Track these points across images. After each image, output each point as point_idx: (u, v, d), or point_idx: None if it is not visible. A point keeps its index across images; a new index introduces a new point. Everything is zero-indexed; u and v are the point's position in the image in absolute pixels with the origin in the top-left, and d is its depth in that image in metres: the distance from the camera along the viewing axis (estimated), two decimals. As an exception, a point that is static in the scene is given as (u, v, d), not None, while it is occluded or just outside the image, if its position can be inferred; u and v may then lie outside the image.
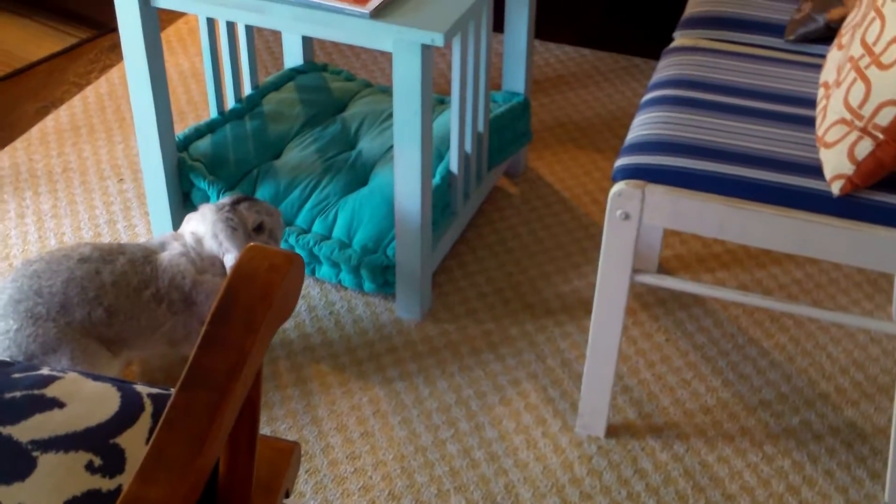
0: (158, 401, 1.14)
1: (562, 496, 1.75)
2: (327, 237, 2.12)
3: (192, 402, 0.90)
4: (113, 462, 1.04)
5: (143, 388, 1.15)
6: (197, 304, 1.81)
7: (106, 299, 1.74)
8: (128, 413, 1.10)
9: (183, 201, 2.23)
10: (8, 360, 1.23)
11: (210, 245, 1.84)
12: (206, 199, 2.20)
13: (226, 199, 1.91)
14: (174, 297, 1.80)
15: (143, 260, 1.80)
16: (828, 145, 1.56)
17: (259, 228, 1.91)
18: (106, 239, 2.30)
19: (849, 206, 1.54)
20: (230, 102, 2.44)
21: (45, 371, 1.15)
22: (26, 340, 1.69)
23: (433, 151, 2.23)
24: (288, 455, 1.21)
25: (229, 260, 1.83)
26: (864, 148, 1.50)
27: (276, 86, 2.52)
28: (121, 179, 2.50)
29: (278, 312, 0.96)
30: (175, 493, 0.86)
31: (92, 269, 1.75)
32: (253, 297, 0.94)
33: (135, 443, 1.07)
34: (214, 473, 1.08)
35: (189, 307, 1.81)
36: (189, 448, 0.88)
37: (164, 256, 1.82)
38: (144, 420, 1.10)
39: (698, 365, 2.01)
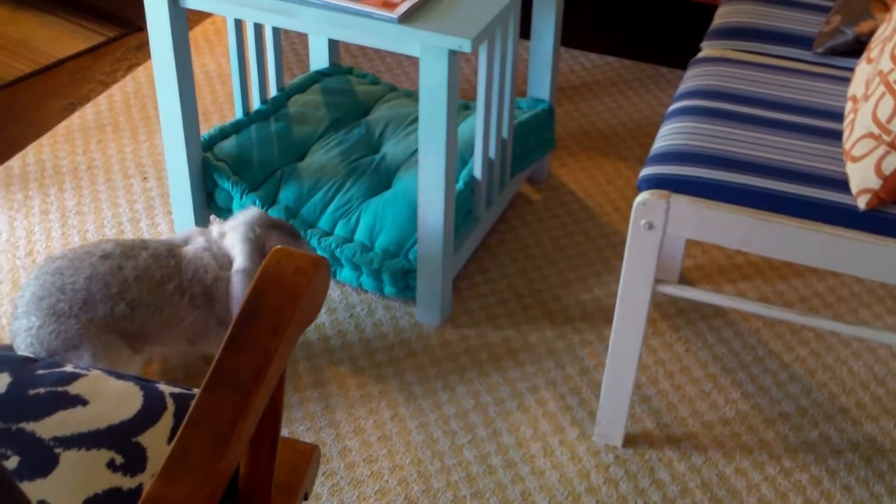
0: (181, 400, 1.14)
1: (579, 505, 1.75)
2: (349, 240, 2.13)
3: (217, 402, 0.90)
4: (134, 461, 1.05)
5: (165, 388, 1.16)
6: (216, 300, 1.82)
7: (129, 294, 1.75)
8: (150, 412, 1.10)
9: (207, 201, 2.24)
10: (32, 356, 1.24)
11: (228, 242, 1.86)
12: (230, 200, 2.20)
13: (273, 218, 1.91)
14: (196, 290, 1.81)
15: (167, 254, 1.81)
16: (855, 159, 1.55)
17: None
18: (129, 237, 2.31)
19: (875, 221, 1.53)
20: (255, 104, 2.45)
21: (68, 368, 1.15)
22: (49, 337, 1.70)
23: (457, 157, 2.23)
24: (308, 457, 1.21)
25: (236, 264, 1.83)
26: (892, 163, 1.49)
27: (302, 88, 2.53)
28: (145, 178, 2.51)
29: (304, 315, 0.96)
30: (198, 494, 0.86)
31: (115, 265, 1.76)
32: (279, 299, 0.94)
33: (156, 442, 1.07)
34: (235, 473, 1.08)
35: (209, 303, 1.82)
36: (213, 449, 0.88)
37: (188, 250, 1.83)
38: (167, 419, 1.10)
39: (718, 376, 2.01)
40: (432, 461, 1.82)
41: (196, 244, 1.85)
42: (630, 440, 1.87)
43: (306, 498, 1.22)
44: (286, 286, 0.94)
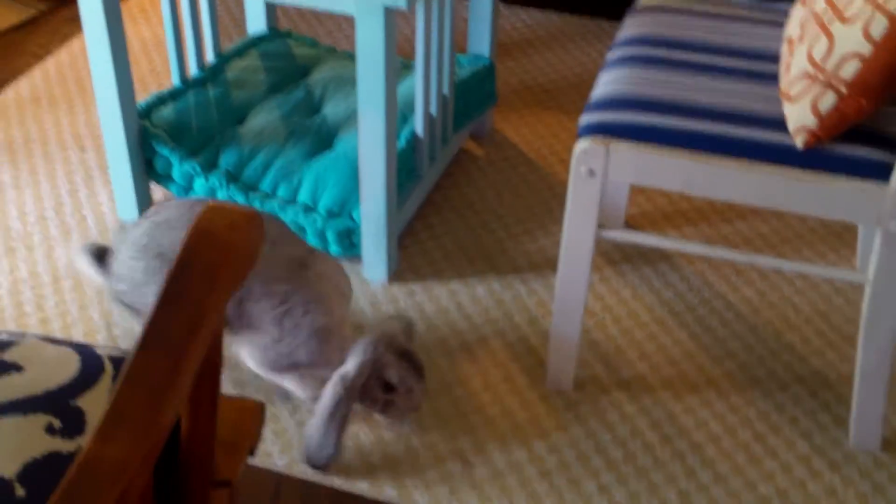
0: (119, 363, 1.13)
1: (530, 450, 1.77)
2: (292, 201, 2.11)
3: (152, 360, 0.89)
4: (73, 424, 1.04)
5: (103, 351, 1.15)
6: (284, 336, 1.73)
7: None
8: (88, 375, 1.09)
9: (146, 169, 2.22)
10: None
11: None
12: (169, 167, 2.18)
13: (403, 346, 1.74)
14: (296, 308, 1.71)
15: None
16: (791, 99, 1.56)
17: (388, 387, 1.73)
18: (67, 209, 2.28)
19: (812, 158, 1.55)
20: (192, 71, 2.42)
21: (3, 336, 1.14)
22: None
23: (398, 115, 2.22)
24: (252, 414, 1.21)
25: (343, 367, 1.71)
26: (828, 101, 1.50)
27: (240, 53, 2.50)
28: (83, 149, 2.48)
29: (238, 270, 0.95)
30: (134, 452, 0.86)
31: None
32: (212, 255, 0.93)
33: (95, 405, 1.07)
34: (177, 432, 1.08)
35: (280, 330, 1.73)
36: (148, 407, 0.88)
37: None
38: (105, 382, 1.09)
39: (664, 319, 2.03)
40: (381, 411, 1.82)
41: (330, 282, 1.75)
42: (580, 385, 1.89)
43: (252, 454, 1.22)
44: (220, 242, 0.93)
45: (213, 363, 1.00)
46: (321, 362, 1.74)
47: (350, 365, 1.69)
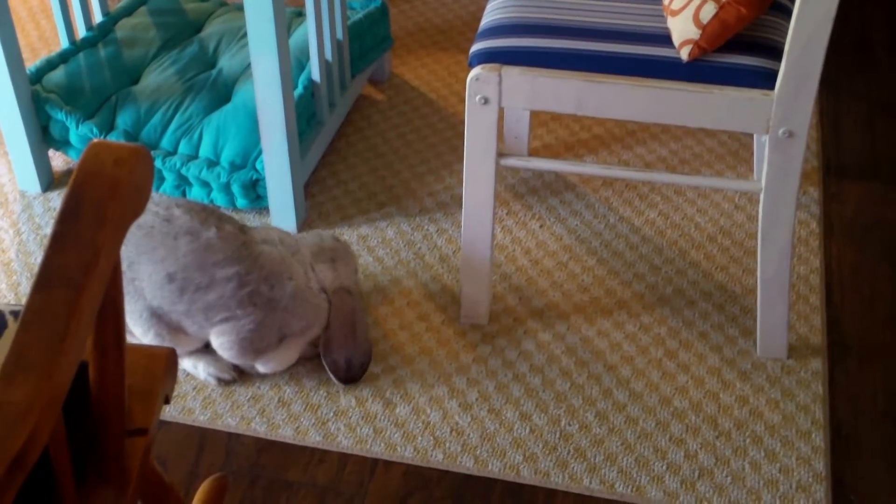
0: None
1: (449, 385, 1.79)
2: (194, 157, 2.09)
3: (48, 301, 0.89)
4: (-22, 378, 1.02)
5: (5, 307, 1.13)
6: (279, 310, 1.74)
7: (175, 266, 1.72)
8: (-10, 331, 1.08)
9: (42, 136, 2.17)
10: None
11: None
12: (66, 131, 2.14)
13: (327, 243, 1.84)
14: (262, 289, 1.72)
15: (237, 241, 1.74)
16: (674, 13, 1.59)
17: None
18: (-35, 183, 2.23)
19: (698, 71, 1.58)
20: (81, 32, 2.37)
21: None
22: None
23: (294, 63, 2.21)
24: (163, 360, 1.20)
25: (337, 283, 1.82)
26: (709, 11, 1.53)
27: (129, 11, 2.46)
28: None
29: (129, 206, 0.95)
30: (38, 394, 0.85)
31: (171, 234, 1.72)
32: (100, 191, 0.92)
33: (0, 359, 1.05)
34: (87, 383, 1.07)
35: (272, 310, 1.73)
36: (49, 347, 0.87)
37: (269, 249, 1.76)
38: (8, 336, 1.08)
39: (573, 247, 2.06)
40: (302, 362, 1.82)
41: (277, 251, 1.75)
42: (494, 317, 1.91)
43: (168, 401, 1.22)
44: (106, 178, 0.93)
45: (114, 304, 0.99)
46: (314, 322, 1.75)
47: (344, 275, 1.81)
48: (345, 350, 1.76)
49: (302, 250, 1.79)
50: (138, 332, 1.73)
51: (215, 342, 1.74)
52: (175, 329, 1.72)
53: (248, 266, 1.69)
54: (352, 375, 1.77)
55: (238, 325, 1.70)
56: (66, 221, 0.91)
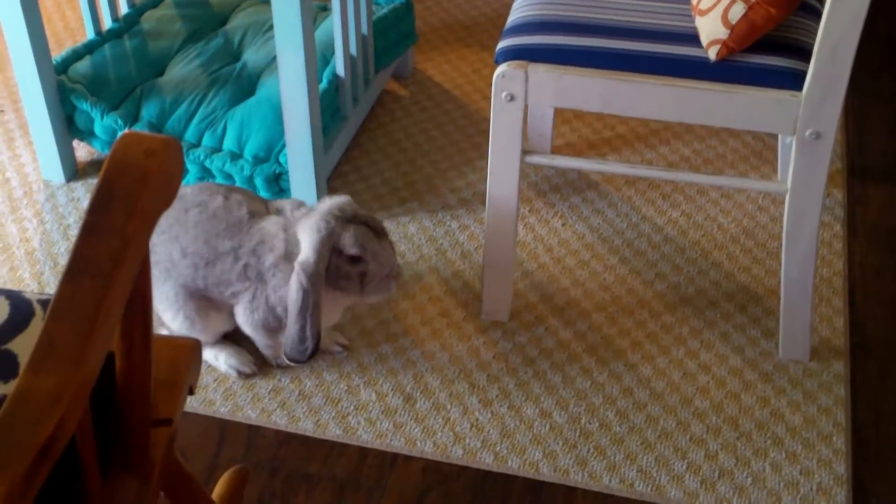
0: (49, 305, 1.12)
1: (469, 381, 1.79)
2: (218, 150, 2.10)
3: (78, 290, 0.89)
4: (6, 367, 1.03)
5: (32, 296, 1.14)
6: (267, 282, 1.69)
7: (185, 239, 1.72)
8: (18, 319, 1.09)
9: (67, 126, 2.18)
10: None
11: (300, 230, 1.66)
12: (91, 122, 2.15)
13: (357, 212, 1.66)
14: (251, 262, 1.67)
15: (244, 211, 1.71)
16: (702, 12, 1.58)
17: (355, 259, 1.64)
18: (-10, 172, 2.25)
19: (726, 71, 1.57)
20: (107, 23, 2.38)
21: (-73, 284, 1.13)
22: None
23: (319, 57, 2.21)
24: (188, 352, 1.21)
25: (300, 256, 1.63)
26: (737, 11, 1.52)
27: (154, 3, 2.47)
28: (2, 110, 2.43)
29: (159, 197, 0.95)
30: (67, 383, 0.86)
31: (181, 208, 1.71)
32: (131, 182, 0.93)
33: (27, 347, 1.06)
34: (114, 373, 1.08)
35: (261, 282, 1.69)
36: (78, 336, 0.87)
37: (263, 220, 1.70)
38: (36, 325, 1.09)
39: (595, 245, 2.05)
40: (323, 356, 1.83)
41: (274, 220, 1.68)
42: (516, 315, 1.91)
43: (192, 392, 1.22)
44: (137, 169, 0.93)
45: (142, 295, 1.00)
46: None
47: (306, 250, 1.60)
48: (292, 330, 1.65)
49: (311, 214, 1.68)
50: (167, 317, 1.73)
51: (237, 317, 1.74)
52: (205, 308, 1.72)
53: (241, 238, 1.67)
54: (292, 357, 1.66)
55: (244, 300, 1.70)
56: (97, 212, 0.92)
